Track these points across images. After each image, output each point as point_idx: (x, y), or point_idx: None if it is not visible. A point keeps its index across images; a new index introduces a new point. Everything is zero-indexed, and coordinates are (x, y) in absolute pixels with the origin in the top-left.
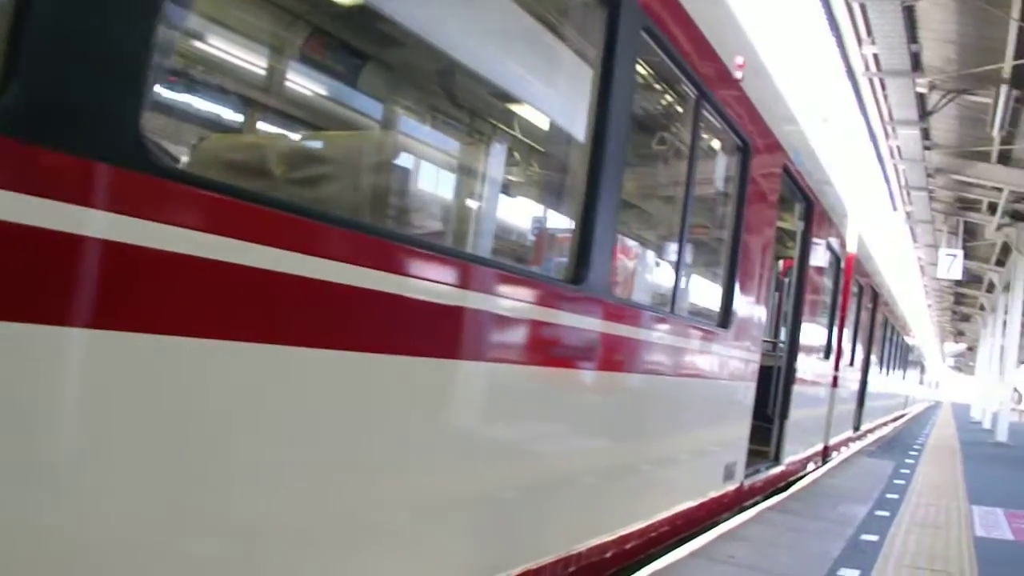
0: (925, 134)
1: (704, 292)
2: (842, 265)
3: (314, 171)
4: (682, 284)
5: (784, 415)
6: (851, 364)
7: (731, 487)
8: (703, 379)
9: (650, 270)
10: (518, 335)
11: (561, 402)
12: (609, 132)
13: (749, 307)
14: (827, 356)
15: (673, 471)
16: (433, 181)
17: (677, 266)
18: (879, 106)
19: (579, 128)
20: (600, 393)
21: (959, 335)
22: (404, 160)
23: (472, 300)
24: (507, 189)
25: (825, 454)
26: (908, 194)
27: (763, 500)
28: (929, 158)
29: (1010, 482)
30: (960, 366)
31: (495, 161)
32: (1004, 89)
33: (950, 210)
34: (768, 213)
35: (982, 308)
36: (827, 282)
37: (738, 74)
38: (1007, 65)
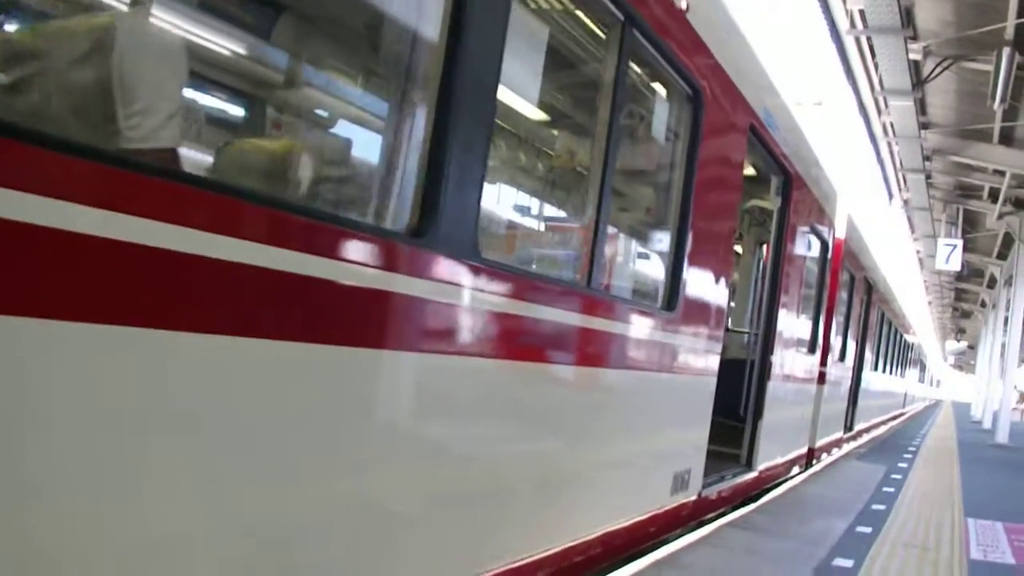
0: (921, 108)
1: (643, 267)
2: (829, 251)
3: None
4: (602, 254)
5: (758, 415)
6: (840, 360)
7: (683, 499)
8: (637, 371)
9: (555, 234)
10: (317, 305)
11: (405, 397)
12: (471, 46)
13: (704, 288)
14: (812, 350)
15: (594, 485)
16: None
17: (595, 232)
18: (868, 74)
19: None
20: (469, 386)
21: (960, 332)
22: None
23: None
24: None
25: (810, 458)
26: (904, 178)
27: (731, 511)
28: (926, 138)
29: (1011, 491)
30: (961, 364)
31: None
32: (1006, 52)
33: (949, 197)
34: (728, 179)
35: (983, 304)
36: (810, 268)
37: (683, 2)
38: (1010, 24)
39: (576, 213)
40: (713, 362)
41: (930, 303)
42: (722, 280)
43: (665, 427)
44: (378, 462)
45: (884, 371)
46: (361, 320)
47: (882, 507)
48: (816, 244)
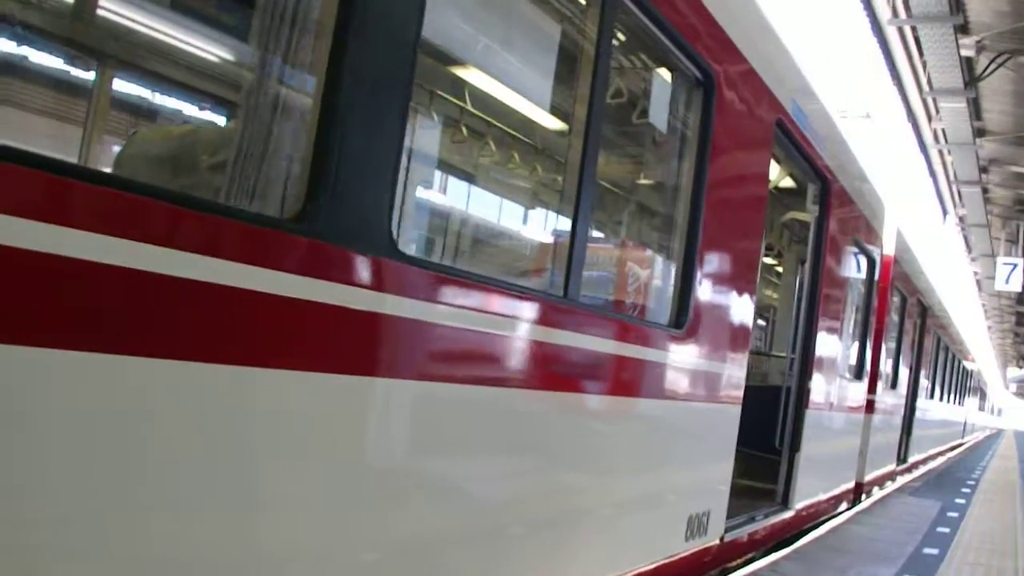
0: (975, 112)
1: (641, 278)
2: (877, 269)
3: None
4: (581, 259)
5: (795, 447)
6: (892, 387)
7: (702, 544)
8: (633, 399)
9: (528, 238)
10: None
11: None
12: None
13: (721, 303)
14: (859, 377)
15: (577, 537)
16: None
17: (574, 234)
18: (916, 73)
19: None
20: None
21: (1022, 359)
22: None
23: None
24: None
25: (859, 492)
26: (959, 193)
27: (763, 556)
28: (982, 146)
29: None
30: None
31: None
32: None
33: (1008, 213)
34: (749, 178)
35: None
36: (855, 287)
37: None
38: None
39: (555, 211)
40: (736, 388)
41: (989, 328)
42: (745, 296)
43: (675, 463)
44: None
45: (941, 399)
46: (214, 332)
47: (934, 551)
48: (861, 261)
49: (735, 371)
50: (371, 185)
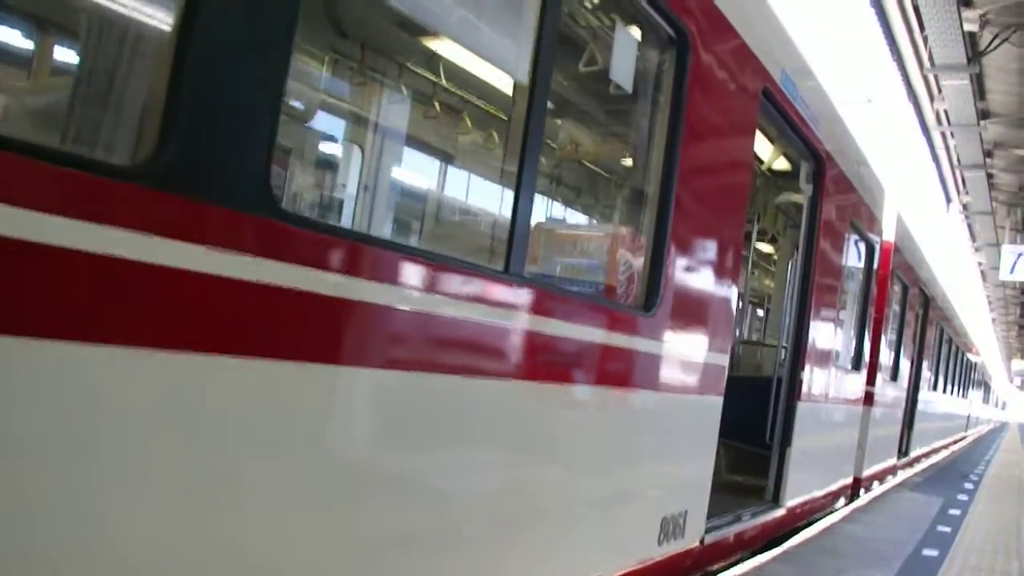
0: (979, 91)
1: (601, 255)
2: (876, 256)
3: None
4: (525, 230)
5: (785, 441)
6: (893, 379)
7: (678, 548)
8: (592, 388)
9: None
10: None
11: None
12: None
13: (699, 285)
14: (856, 367)
15: (523, 542)
16: None
17: (517, 200)
18: (917, 49)
19: None
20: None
21: None
22: None
23: None
24: None
25: (856, 488)
26: (962, 179)
27: (749, 558)
28: (986, 128)
29: None
30: None
31: None
32: None
33: (1013, 200)
34: (730, 149)
35: None
36: (852, 274)
37: None
38: None
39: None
40: (717, 377)
41: (994, 320)
42: (726, 278)
43: (644, 460)
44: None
45: (944, 392)
46: None
47: (934, 553)
48: (859, 246)
49: (716, 359)
50: (240, 128)
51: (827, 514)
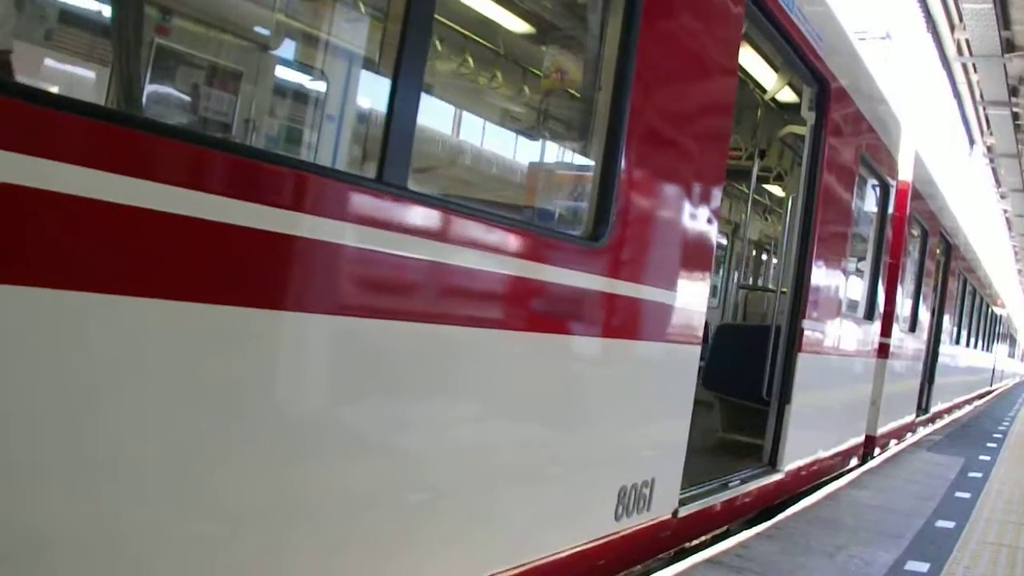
0: (1003, 19)
1: (546, 174)
2: (891, 197)
3: None
4: (409, 131)
5: (784, 398)
6: (911, 330)
7: (643, 522)
8: (519, 334)
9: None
10: None
11: None
12: None
13: (666, 213)
14: (869, 317)
15: (435, 523)
16: None
17: (392, 95)
18: None
19: None
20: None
21: None
22: None
23: None
24: None
25: (870, 448)
26: (986, 118)
27: (745, 529)
28: (1011, 60)
29: None
30: None
31: None
32: None
33: None
34: (706, 55)
35: None
36: (863, 213)
37: None
38: None
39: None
40: (691, 323)
41: (1020, 272)
42: (702, 207)
43: (590, 421)
44: None
45: (967, 345)
46: None
47: (950, 524)
48: (870, 184)
49: (689, 301)
50: None
51: (835, 477)
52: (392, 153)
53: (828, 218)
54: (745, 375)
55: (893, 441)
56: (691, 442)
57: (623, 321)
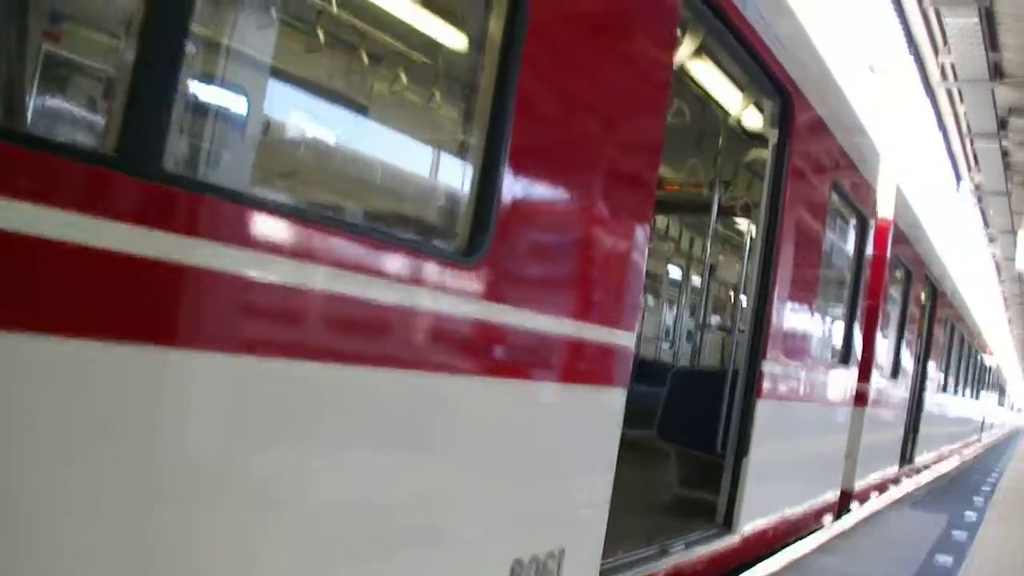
0: (990, 38)
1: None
2: (870, 232)
3: None
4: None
5: (742, 448)
6: (893, 376)
7: None
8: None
9: None
10: None
11: None
12: None
13: (575, 227)
14: (845, 361)
15: None
16: None
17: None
18: None
19: None
20: None
21: None
22: None
23: None
24: None
25: (845, 504)
26: (974, 153)
27: None
28: (1000, 93)
29: None
30: None
31: None
32: None
33: None
34: (626, 43)
35: None
36: (836, 248)
37: None
38: None
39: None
40: (613, 362)
41: (1010, 320)
42: (626, 221)
43: (472, 476)
44: None
45: (955, 393)
46: None
47: None
48: (844, 215)
49: (609, 336)
50: None
51: (802, 538)
52: (140, 120)
53: (793, 249)
54: (700, 424)
55: (875, 493)
56: (641, 500)
57: (509, 357)
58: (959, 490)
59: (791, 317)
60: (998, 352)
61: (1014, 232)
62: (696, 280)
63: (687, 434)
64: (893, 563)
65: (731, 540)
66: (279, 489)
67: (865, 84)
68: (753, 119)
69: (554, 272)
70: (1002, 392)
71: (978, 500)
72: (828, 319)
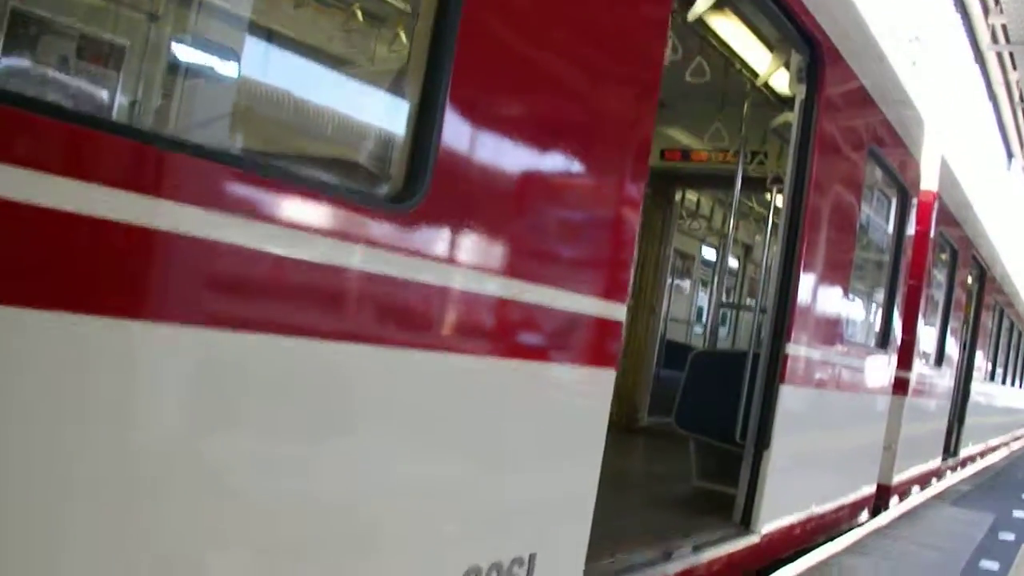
0: None
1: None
2: (912, 206)
3: None
4: None
5: (763, 440)
6: (937, 364)
7: None
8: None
9: None
10: None
11: None
12: None
13: (538, 170)
14: (883, 346)
15: None
16: None
17: None
18: None
19: None
20: None
21: None
22: None
23: None
24: None
25: (883, 499)
26: None
27: None
28: None
29: None
30: None
31: None
32: None
33: None
34: None
35: None
36: (874, 223)
37: None
38: None
39: None
40: (595, 338)
41: None
42: (615, 168)
43: (420, 472)
44: None
45: (1004, 383)
46: None
47: None
48: (884, 187)
49: (590, 305)
50: None
51: (835, 536)
52: None
53: (823, 218)
54: (720, 411)
55: (916, 488)
56: (657, 494)
57: (458, 326)
58: (1007, 485)
59: (820, 296)
60: None
61: None
62: (733, 262)
63: (705, 422)
64: (931, 568)
65: (750, 540)
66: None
67: (911, 54)
68: (783, 81)
69: (515, 225)
70: None
71: None
72: (864, 300)
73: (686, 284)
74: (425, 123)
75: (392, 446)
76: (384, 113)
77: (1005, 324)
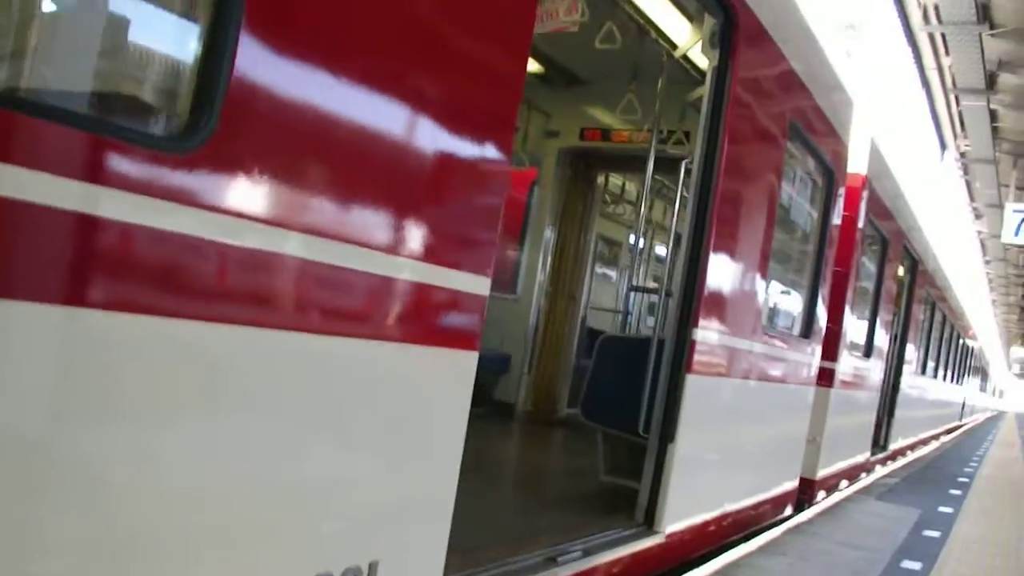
0: None
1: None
2: (839, 189)
3: None
4: None
5: (667, 434)
6: (866, 355)
7: None
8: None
9: None
10: None
11: None
12: None
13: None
14: (807, 336)
15: None
16: None
17: None
18: None
19: None
20: None
21: None
22: None
23: None
24: None
25: (807, 494)
26: (959, 112)
27: None
28: (989, 44)
29: None
30: None
31: None
32: None
33: (1021, 149)
34: None
35: None
36: (793, 203)
37: None
38: None
39: None
40: (451, 312)
41: (994, 302)
42: (467, 123)
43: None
44: None
45: (935, 376)
46: None
47: None
48: (805, 163)
49: (438, 275)
50: None
51: (753, 534)
52: None
53: (735, 197)
54: (627, 401)
55: (844, 483)
56: (561, 492)
57: (252, 293)
58: (935, 479)
59: (733, 280)
60: (981, 335)
61: (1001, 206)
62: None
63: (611, 413)
64: (850, 569)
65: (653, 541)
66: None
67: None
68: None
69: (337, 175)
70: (984, 376)
71: (955, 492)
72: (786, 286)
73: (614, 273)
74: (215, 44)
75: (174, 436)
76: (171, 29)
77: (937, 318)
